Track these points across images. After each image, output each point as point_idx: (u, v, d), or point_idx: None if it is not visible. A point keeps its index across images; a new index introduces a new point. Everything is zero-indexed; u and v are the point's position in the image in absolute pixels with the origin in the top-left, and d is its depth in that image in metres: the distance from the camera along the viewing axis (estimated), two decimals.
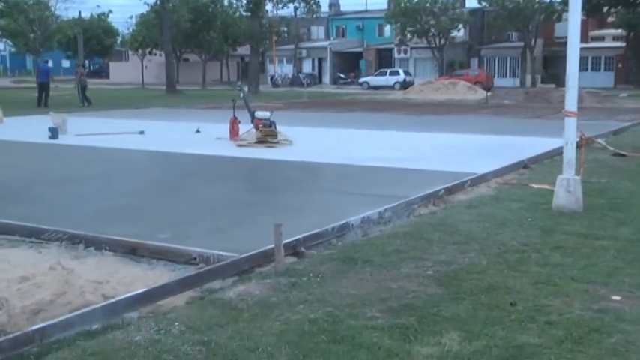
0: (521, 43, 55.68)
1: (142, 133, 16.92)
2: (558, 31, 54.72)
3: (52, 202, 8.64)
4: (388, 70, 57.00)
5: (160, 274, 5.56)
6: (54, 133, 15.93)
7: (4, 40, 69.68)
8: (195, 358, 3.86)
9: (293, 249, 5.93)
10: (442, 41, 57.05)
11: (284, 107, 28.31)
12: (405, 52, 62.25)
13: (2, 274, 5.50)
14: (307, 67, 67.35)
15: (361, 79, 57.66)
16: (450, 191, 8.80)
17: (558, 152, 9.83)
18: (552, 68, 55.94)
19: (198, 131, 17.07)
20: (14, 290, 5.08)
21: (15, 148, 14.66)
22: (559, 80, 50.32)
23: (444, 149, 13.74)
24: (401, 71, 56.62)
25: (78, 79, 30.24)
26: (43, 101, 28.35)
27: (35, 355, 3.92)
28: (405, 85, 50.70)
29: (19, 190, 9.35)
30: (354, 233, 6.75)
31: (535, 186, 9.33)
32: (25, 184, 9.85)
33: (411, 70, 59.93)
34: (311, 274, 5.34)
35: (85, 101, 29.41)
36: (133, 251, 6.09)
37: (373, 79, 55.72)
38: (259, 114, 15.07)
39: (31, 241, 6.61)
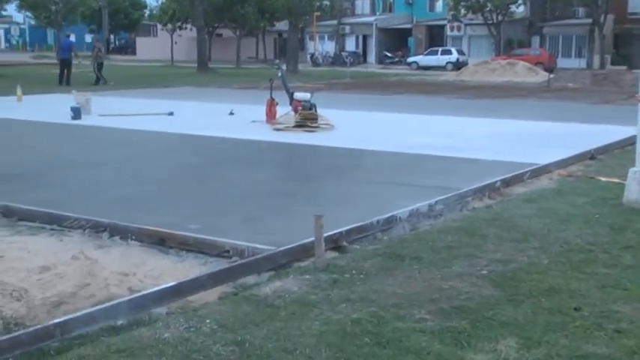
0: (589, 20, 54.62)
1: (171, 114, 17.10)
2: (632, 5, 53.64)
3: (75, 187, 8.78)
4: (439, 49, 56.60)
5: (190, 267, 5.61)
6: (76, 113, 16.18)
7: (24, 12, 70.67)
8: (228, 358, 3.88)
9: (334, 243, 5.94)
10: (500, 17, 56.38)
11: (325, 88, 28.28)
12: (459, 29, 61.70)
13: (21, 263, 5.61)
14: (351, 44, 67.24)
15: (409, 59, 57.36)
16: (507, 183, 8.73)
17: (630, 142, 9.67)
18: (624, 48, 54.90)
19: (231, 113, 17.18)
20: (34, 281, 5.17)
21: (35, 129, 14.92)
22: (632, 62, 49.45)
23: (501, 137, 13.61)
24: (453, 50, 56.19)
25: (95, 56, 30.22)
26: (64, 79, 28.75)
27: (56, 350, 3.98)
28: (458, 65, 50.27)
29: (40, 174, 9.53)
30: (402, 227, 6.74)
31: (603, 179, 9.19)
32: (45, 168, 10.02)
33: (465, 49, 59.41)
34: (354, 271, 5.34)
35: (100, 80, 29.47)
36: (161, 242, 6.15)
37: (423, 59, 55.39)
38: (298, 95, 15.11)
39: (52, 229, 6.72)
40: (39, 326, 4.11)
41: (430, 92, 27.82)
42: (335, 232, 6.00)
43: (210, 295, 4.88)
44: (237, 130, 14.17)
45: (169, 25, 59.03)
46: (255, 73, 41.10)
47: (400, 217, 6.84)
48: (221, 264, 5.57)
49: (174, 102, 20.61)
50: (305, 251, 5.66)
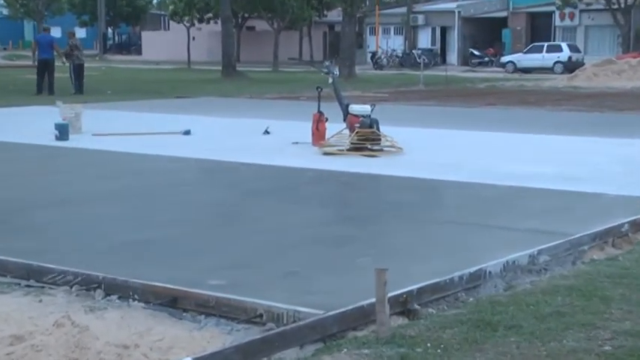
0: None
1: (187, 133, 17.24)
2: None
3: (60, 230, 8.89)
4: (545, 45, 56.35)
5: (210, 338, 5.63)
6: (63, 131, 16.33)
7: None
8: None
9: (403, 306, 5.92)
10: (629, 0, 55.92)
11: (391, 99, 28.31)
12: (572, 17, 61.44)
13: None
14: (425, 40, 67.42)
15: (504, 58, 57.18)
16: (639, 227, 8.63)
17: None
18: None
19: (267, 132, 17.26)
20: (2, 356, 5.21)
21: (9, 153, 15.16)
22: None
23: (631, 164, 13.44)
24: (564, 46, 55.86)
25: (67, 54, 29.89)
26: (46, 86, 29.02)
27: None
28: (571, 66, 49.95)
29: (14, 213, 9.66)
30: (493, 285, 6.70)
31: None
32: (22, 205, 10.17)
33: (580, 44, 59.06)
34: (429, 344, 5.32)
35: (77, 87, 29.43)
36: (172, 303, 6.19)
37: (522, 58, 55.16)
38: (355, 108, 15.12)
39: (29, 285, 6.78)
40: None
41: (532, 103, 27.66)
42: (403, 291, 5.97)
43: None
44: (273, 155, 14.24)
45: (186, 17, 59.66)
46: (297, 78, 41.36)
47: (491, 272, 6.79)
48: (252, 333, 5.58)
49: (191, 117, 20.80)
50: (363, 317, 5.65)
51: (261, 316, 5.85)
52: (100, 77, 36.64)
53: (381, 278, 5.47)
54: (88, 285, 6.61)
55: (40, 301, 6.42)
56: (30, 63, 34.47)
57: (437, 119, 21.33)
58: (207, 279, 6.70)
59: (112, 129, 17.82)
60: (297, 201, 10.67)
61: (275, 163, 13.39)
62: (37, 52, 30.50)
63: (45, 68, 29.53)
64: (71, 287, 6.63)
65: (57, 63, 29.93)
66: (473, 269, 6.69)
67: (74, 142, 16.10)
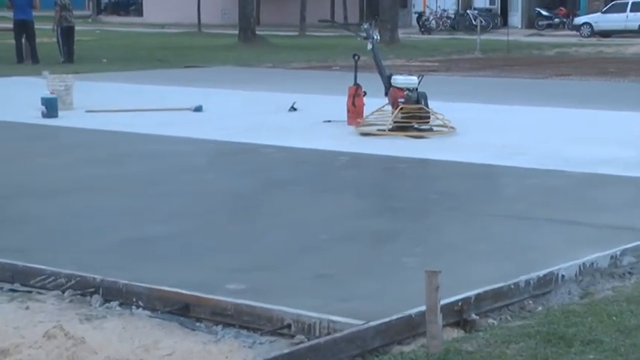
0: None
1: (198, 109, 17.25)
2: None
3: (49, 224, 8.94)
4: (629, 2, 55.78)
5: (228, 352, 5.66)
6: (51, 107, 16.37)
7: None
8: None
9: (458, 315, 5.94)
10: None
11: (441, 68, 28.24)
12: None
13: None
14: None
15: (578, 19, 56.74)
16: None
17: None
18: None
19: (293, 108, 17.29)
20: None
21: None
22: None
23: None
24: None
25: (57, 19, 30.03)
26: (29, 53, 29.07)
27: None
28: None
29: None
30: (567, 292, 6.69)
31: None
32: (3, 195, 10.25)
33: None
34: None
35: (66, 54, 29.64)
36: (184, 311, 6.23)
37: (600, 19, 54.70)
38: (399, 80, 15.07)
39: (13, 290, 6.84)
40: None
41: (612, 74, 27.44)
42: (458, 297, 5.99)
43: None
44: (301, 136, 14.29)
45: None
46: (329, 44, 41.29)
47: (564, 276, 6.78)
48: (277, 347, 5.61)
49: (202, 90, 20.90)
50: (410, 328, 5.66)
51: (288, 326, 5.87)
52: (94, 43, 36.66)
53: (433, 282, 5.46)
54: (83, 289, 6.65)
55: (27, 308, 6.47)
56: (8, 26, 34.34)
57: (496, 93, 21.21)
58: (224, 283, 6.73)
59: (109, 104, 17.90)
60: (329, 190, 10.68)
61: (303, 146, 13.40)
62: (13, 13, 30.45)
63: (22, 31, 29.37)
64: (63, 292, 6.68)
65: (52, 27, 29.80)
66: (542, 273, 6.68)
67: (64, 119, 16.20)
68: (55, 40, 30.14)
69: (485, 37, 43.94)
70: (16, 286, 6.89)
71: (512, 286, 6.41)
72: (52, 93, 17.07)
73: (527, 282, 6.52)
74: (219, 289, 6.48)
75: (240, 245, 8.13)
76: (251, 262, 7.50)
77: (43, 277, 6.84)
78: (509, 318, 6.16)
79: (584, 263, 7.01)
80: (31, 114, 16.41)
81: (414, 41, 46.02)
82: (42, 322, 6.08)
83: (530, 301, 6.45)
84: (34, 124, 15.82)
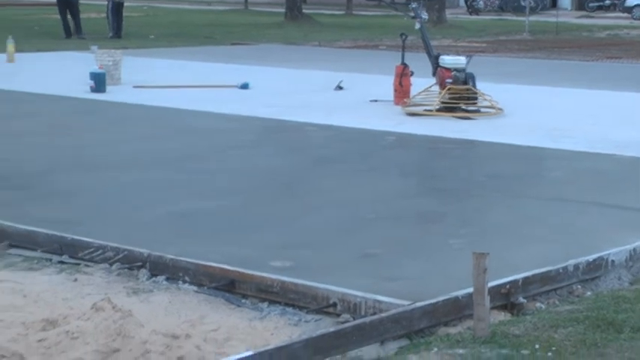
0: None
1: (244, 87, 17.29)
2: None
3: (98, 198, 8.99)
4: None
5: (274, 328, 5.67)
6: (99, 82, 16.47)
7: None
8: None
9: (505, 298, 5.91)
10: None
11: (489, 49, 28.07)
12: None
13: (14, 314, 5.74)
14: None
15: (630, 1, 56.20)
16: None
17: None
18: None
19: (339, 87, 17.28)
20: (33, 342, 5.29)
21: (36, 106, 15.30)
22: None
23: None
24: None
25: None
26: (73, 27, 29.00)
27: None
28: None
29: (44, 177, 9.79)
30: (616, 277, 6.64)
31: None
32: (53, 167, 10.30)
33: None
34: (537, 346, 5.27)
35: (114, 30, 29.34)
36: (229, 287, 6.24)
37: None
38: (447, 60, 15.00)
39: (62, 262, 6.89)
40: None
41: None
42: (506, 280, 5.95)
43: None
44: (348, 115, 14.24)
45: None
46: (376, 23, 41.22)
47: (614, 261, 6.71)
48: (323, 325, 5.61)
49: (249, 68, 20.89)
50: (457, 310, 5.65)
51: (334, 305, 5.88)
52: (142, 19, 36.82)
53: (481, 264, 5.42)
54: (130, 263, 6.70)
55: (76, 280, 6.52)
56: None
57: (545, 75, 21.07)
58: (269, 260, 6.73)
59: (156, 80, 17.96)
60: (375, 170, 10.64)
61: (349, 125, 13.38)
62: None
63: (65, 7, 29.17)
64: (111, 265, 6.73)
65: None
66: (591, 257, 6.62)
67: (112, 94, 16.26)
68: (103, 15, 30.19)
69: (533, 18, 43.58)
70: (65, 258, 6.94)
71: (560, 270, 6.37)
72: (100, 68, 17.15)
73: (576, 266, 6.48)
74: (264, 266, 6.49)
75: (285, 223, 8.13)
76: (296, 239, 7.50)
77: (91, 249, 6.90)
78: (557, 302, 6.11)
79: (634, 249, 6.94)
80: (80, 88, 16.49)
81: (462, 21, 45.81)
82: (90, 295, 6.12)
83: (579, 286, 6.41)
84: (82, 99, 15.90)
